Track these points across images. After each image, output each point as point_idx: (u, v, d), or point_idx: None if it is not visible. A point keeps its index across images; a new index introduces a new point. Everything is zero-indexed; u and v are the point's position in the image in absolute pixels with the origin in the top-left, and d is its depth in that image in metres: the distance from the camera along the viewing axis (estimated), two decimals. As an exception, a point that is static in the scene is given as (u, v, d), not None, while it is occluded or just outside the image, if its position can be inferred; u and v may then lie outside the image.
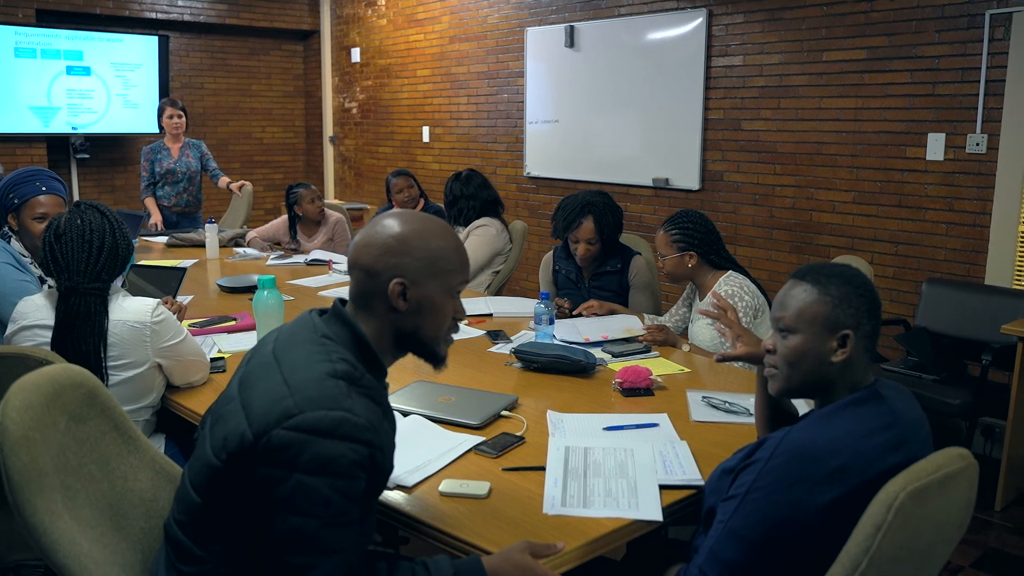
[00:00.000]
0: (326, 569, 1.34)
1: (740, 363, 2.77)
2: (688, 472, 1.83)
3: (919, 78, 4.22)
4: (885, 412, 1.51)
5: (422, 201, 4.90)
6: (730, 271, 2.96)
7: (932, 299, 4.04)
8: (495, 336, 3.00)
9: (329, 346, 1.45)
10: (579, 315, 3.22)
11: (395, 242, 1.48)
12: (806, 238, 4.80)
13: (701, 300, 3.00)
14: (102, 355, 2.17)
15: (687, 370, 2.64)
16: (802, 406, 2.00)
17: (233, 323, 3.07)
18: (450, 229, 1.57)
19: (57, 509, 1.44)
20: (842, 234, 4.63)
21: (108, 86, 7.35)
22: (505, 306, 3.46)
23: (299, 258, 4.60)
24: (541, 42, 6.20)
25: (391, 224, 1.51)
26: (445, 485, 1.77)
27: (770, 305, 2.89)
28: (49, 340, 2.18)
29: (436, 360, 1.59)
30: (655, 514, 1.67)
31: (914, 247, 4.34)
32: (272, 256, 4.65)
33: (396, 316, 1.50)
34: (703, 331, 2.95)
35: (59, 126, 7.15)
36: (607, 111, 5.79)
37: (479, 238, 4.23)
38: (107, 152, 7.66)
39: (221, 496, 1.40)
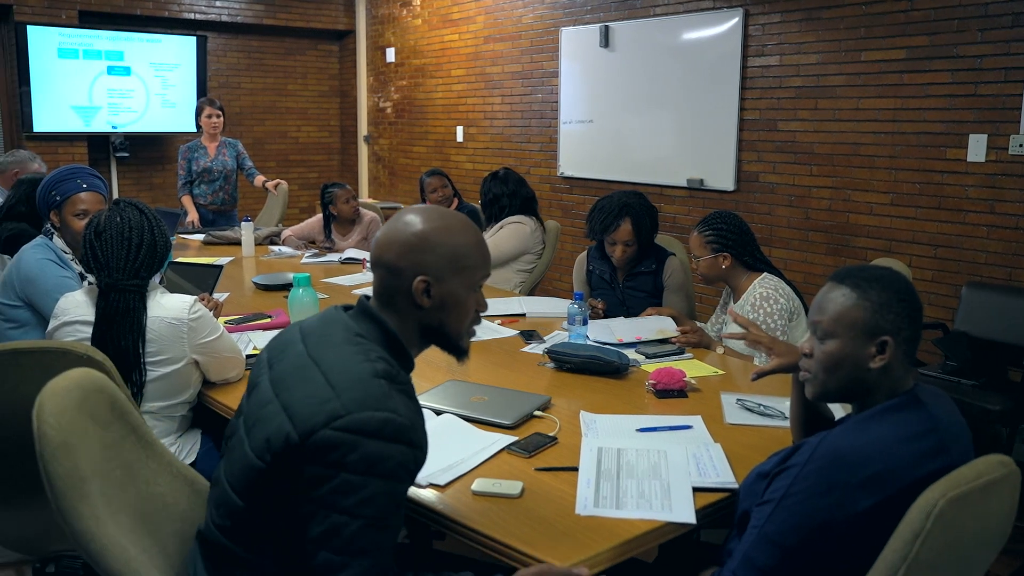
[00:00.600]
0: (359, 570, 1.33)
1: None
2: (722, 475, 1.81)
3: (961, 78, 4.15)
4: (924, 418, 1.48)
5: (456, 201, 4.91)
6: (765, 273, 2.94)
7: (972, 303, 3.97)
8: (528, 336, 2.99)
9: (365, 345, 1.46)
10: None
11: (417, 240, 1.50)
12: (842, 240, 4.74)
13: (735, 302, 2.97)
14: (140, 351, 2.20)
15: (721, 372, 2.62)
16: (838, 410, 1.97)
17: (268, 320, 3.10)
18: (471, 224, 1.58)
19: (100, 515, 1.42)
20: (879, 236, 4.57)
21: (147, 86, 7.46)
22: (538, 306, 3.45)
23: (333, 256, 4.63)
24: (576, 42, 6.19)
25: (413, 221, 1.52)
26: (478, 484, 1.77)
27: (805, 308, 2.88)
28: (89, 336, 2.22)
29: (459, 353, 1.60)
30: (688, 516, 1.66)
31: (954, 250, 4.27)
32: (307, 254, 4.69)
33: (420, 312, 1.51)
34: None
35: (100, 125, 7.27)
36: (642, 111, 5.76)
37: (509, 231, 4.23)
38: (146, 151, 7.77)
39: (265, 497, 1.41)
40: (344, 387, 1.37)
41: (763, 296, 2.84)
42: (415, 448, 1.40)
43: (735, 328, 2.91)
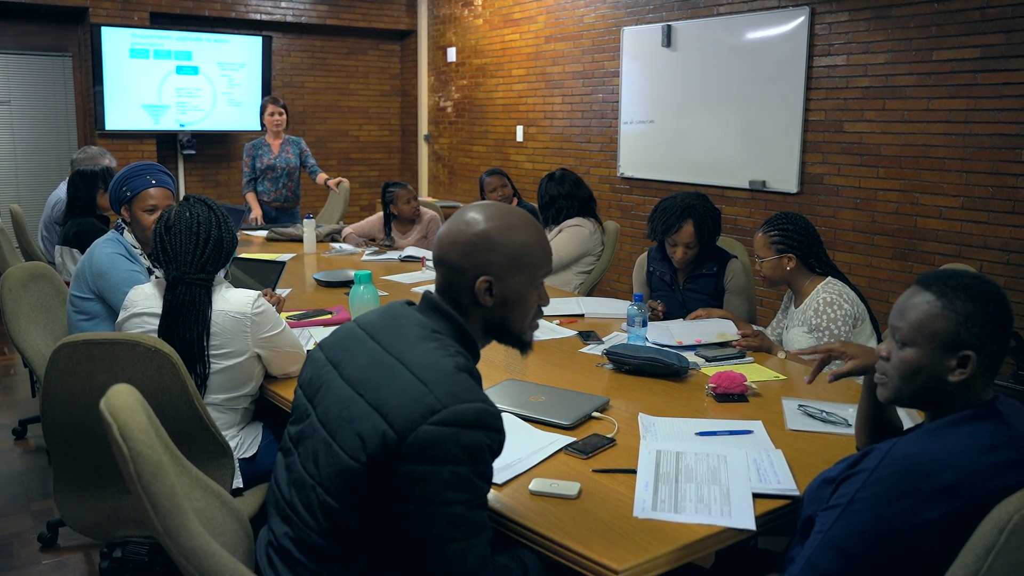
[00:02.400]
0: (480, 549, 1.41)
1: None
2: (783, 481, 1.78)
3: (1038, 78, 4.02)
4: (1002, 430, 1.43)
5: (515, 200, 4.92)
6: (829, 277, 2.88)
7: (1046, 311, 3.84)
8: (587, 337, 2.98)
9: (443, 340, 1.50)
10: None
11: (479, 240, 1.52)
12: (910, 244, 4.62)
13: (798, 307, 2.92)
14: (205, 343, 2.25)
15: (783, 377, 2.57)
16: (906, 419, 1.92)
17: (329, 316, 3.13)
18: (533, 221, 1.60)
19: (202, 531, 1.35)
20: (949, 241, 4.44)
21: (214, 85, 7.62)
22: (597, 307, 3.43)
23: (393, 254, 4.68)
24: (637, 42, 6.15)
25: (475, 219, 1.54)
26: (535, 484, 1.77)
27: (870, 313, 2.82)
28: (156, 327, 2.27)
29: (523, 346, 1.64)
30: (748, 523, 1.63)
31: (1028, 256, 4.13)
32: (367, 252, 4.74)
33: (483, 310, 1.55)
34: (798, 339, 2.87)
35: (168, 123, 7.45)
36: (703, 112, 5.70)
37: (569, 235, 4.22)
38: (211, 148, 7.94)
39: (361, 497, 1.42)
40: (435, 382, 1.40)
41: (827, 301, 2.78)
42: (501, 433, 1.45)
43: (798, 335, 2.87)
